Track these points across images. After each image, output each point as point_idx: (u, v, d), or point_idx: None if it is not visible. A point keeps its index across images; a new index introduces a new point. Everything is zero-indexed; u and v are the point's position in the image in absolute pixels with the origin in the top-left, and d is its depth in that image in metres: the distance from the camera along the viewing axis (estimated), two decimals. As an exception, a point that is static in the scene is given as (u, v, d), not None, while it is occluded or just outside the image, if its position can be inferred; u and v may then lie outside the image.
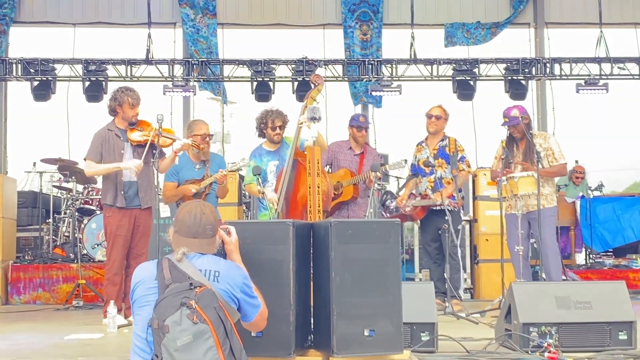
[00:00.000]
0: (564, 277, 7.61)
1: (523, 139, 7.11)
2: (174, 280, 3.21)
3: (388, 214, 7.51)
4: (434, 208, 7.27)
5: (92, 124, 10.94)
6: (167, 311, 3.11)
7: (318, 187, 6.21)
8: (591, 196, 10.68)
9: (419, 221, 8.18)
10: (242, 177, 9.37)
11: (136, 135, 6.53)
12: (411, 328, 4.75)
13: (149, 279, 3.30)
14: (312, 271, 4.51)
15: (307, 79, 10.99)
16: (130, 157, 6.54)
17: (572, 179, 10.85)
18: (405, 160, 10.17)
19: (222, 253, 3.60)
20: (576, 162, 11.15)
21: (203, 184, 6.74)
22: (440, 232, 7.01)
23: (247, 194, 9.59)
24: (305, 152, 5.93)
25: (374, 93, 11.17)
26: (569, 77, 11.37)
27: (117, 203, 6.49)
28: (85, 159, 6.61)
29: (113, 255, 6.45)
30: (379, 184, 7.28)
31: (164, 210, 7.78)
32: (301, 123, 6.26)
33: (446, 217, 6.68)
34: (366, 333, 4.10)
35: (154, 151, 6.42)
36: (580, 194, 10.57)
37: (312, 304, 4.53)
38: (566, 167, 7.30)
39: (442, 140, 7.52)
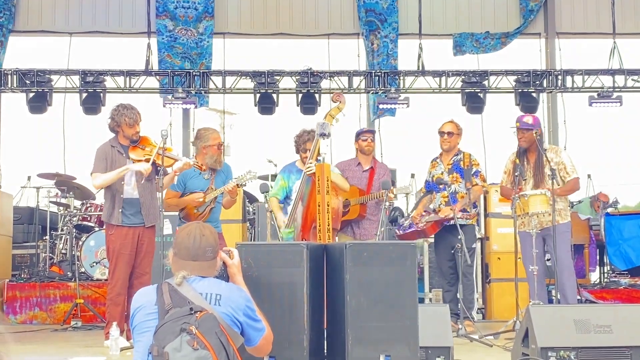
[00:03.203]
0: (578, 297, 7.65)
1: (533, 151, 7.18)
2: (174, 305, 3.25)
3: (401, 231, 7.53)
4: (447, 223, 7.32)
5: (89, 138, 11.10)
6: (166, 337, 3.15)
7: (328, 205, 6.31)
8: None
9: (430, 239, 8.26)
10: (247, 195, 9.41)
11: (137, 155, 6.59)
12: (426, 352, 4.80)
13: (148, 304, 3.34)
14: (325, 294, 4.57)
15: (312, 90, 11.07)
16: (132, 174, 6.60)
17: (593, 206, 10.75)
18: (413, 175, 10.26)
19: (224, 276, 3.65)
20: (609, 202, 10.82)
21: (208, 197, 6.78)
22: (453, 250, 7.06)
23: (251, 210, 9.67)
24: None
25: (381, 106, 11.24)
26: (581, 90, 11.41)
27: (113, 220, 6.54)
28: (92, 174, 6.64)
29: (116, 275, 6.49)
30: (389, 203, 7.32)
31: (167, 228, 7.83)
32: (308, 169, 6.47)
33: (459, 237, 6.72)
34: (382, 358, 4.15)
35: (157, 168, 6.47)
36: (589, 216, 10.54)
37: (325, 327, 4.59)
38: (579, 182, 7.36)
39: (457, 155, 7.62)
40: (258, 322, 3.48)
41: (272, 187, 7.07)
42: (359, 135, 7.62)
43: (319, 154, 6.10)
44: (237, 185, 6.77)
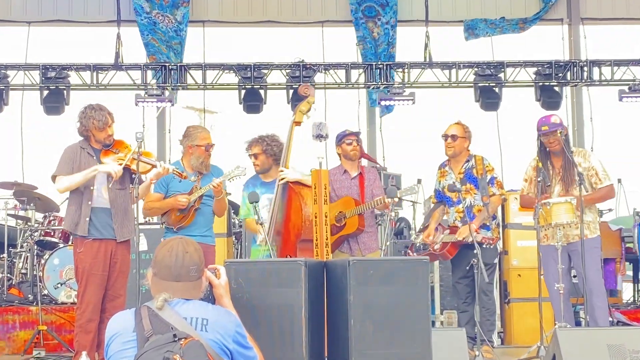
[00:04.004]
0: (610, 319, 7.67)
1: (559, 154, 7.20)
2: (155, 332, 3.26)
3: (415, 253, 7.52)
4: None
5: (51, 141, 11.09)
6: None
7: (326, 217, 6.35)
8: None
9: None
10: (232, 205, 9.42)
11: (110, 159, 6.59)
12: (440, 383, 4.81)
13: (125, 331, 3.35)
14: (325, 317, 4.59)
15: (298, 85, 11.09)
16: (103, 182, 6.59)
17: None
18: (419, 180, 10.28)
19: (210, 298, 3.66)
20: None
21: (192, 196, 6.81)
22: (469, 267, 7.05)
23: (237, 222, 9.67)
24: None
25: (382, 103, 11.26)
26: (610, 83, 11.47)
27: (78, 231, 6.53)
28: (54, 176, 6.64)
29: (86, 298, 6.45)
30: (394, 211, 7.32)
31: (142, 243, 7.84)
32: (282, 179, 6.64)
33: (475, 252, 6.72)
34: (391, 390, 4.17)
35: (132, 176, 6.48)
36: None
37: (326, 355, 4.60)
38: (613, 189, 7.37)
39: (468, 161, 7.56)
40: (249, 349, 3.49)
41: (242, 207, 7.17)
42: (341, 138, 7.55)
43: (321, 159, 6.17)
44: (222, 192, 6.81)
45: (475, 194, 7.44)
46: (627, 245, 10.16)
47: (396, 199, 7.04)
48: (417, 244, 7.52)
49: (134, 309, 3.43)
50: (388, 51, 12.19)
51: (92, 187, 6.55)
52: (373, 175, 7.59)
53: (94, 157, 6.62)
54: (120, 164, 6.52)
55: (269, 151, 7.02)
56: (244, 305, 3.95)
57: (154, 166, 6.60)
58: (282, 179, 6.69)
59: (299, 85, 10.93)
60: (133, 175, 6.49)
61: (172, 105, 11.42)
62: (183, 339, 3.21)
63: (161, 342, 3.21)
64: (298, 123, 6.68)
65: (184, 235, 6.47)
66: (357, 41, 12.26)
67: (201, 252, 3.55)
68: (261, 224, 6.38)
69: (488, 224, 7.35)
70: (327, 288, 4.55)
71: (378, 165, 9.90)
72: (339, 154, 7.55)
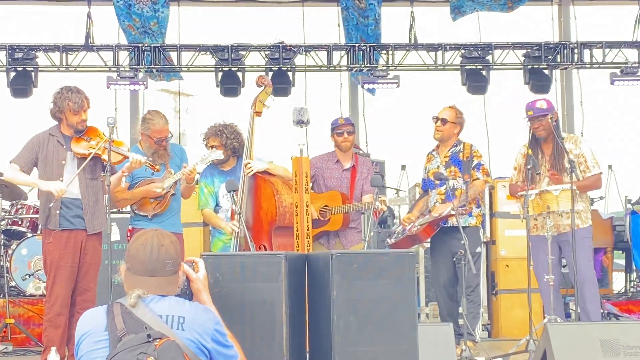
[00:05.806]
0: (600, 311, 7.69)
1: (549, 141, 7.21)
2: (129, 331, 3.22)
3: (393, 240, 7.50)
4: (444, 224, 7.31)
5: (18, 125, 11.00)
6: None
7: (307, 206, 6.33)
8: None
9: (426, 244, 8.24)
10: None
11: (81, 147, 6.54)
12: (427, 380, 4.79)
13: (97, 330, 3.30)
14: (307, 313, 4.55)
15: (285, 68, 11.04)
16: (73, 171, 6.56)
17: None
18: (404, 167, 10.29)
19: (188, 293, 3.62)
20: None
21: (167, 182, 6.80)
22: (454, 258, 7.03)
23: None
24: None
25: (366, 86, 11.22)
26: (602, 66, 11.46)
27: (50, 224, 6.50)
28: (10, 162, 6.63)
29: (55, 291, 6.43)
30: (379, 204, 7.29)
31: (114, 233, 7.78)
32: (249, 169, 6.75)
33: (462, 241, 6.70)
34: (375, 388, 4.15)
35: (104, 165, 6.43)
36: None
37: (307, 352, 4.58)
38: (600, 178, 7.41)
39: (455, 146, 7.55)
40: (229, 348, 3.46)
41: (200, 198, 7.23)
42: (333, 128, 7.57)
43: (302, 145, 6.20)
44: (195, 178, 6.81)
45: (459, 177, 7.42)
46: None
47: (384, 207, 7.08)
48: (397, 231, 7.52)
49: (106, 306, 3.39)
50: (374, 27, 12.09)
51: (61, 178, 6.50)
52: (367, 169, 7.57)
53: (64, 146, 6.58)
54: (90, 154, 6.46)
55: (229, 145, 7.09)
56: (222, 300, 3.90)
57: (125, 157, 6.55)
58: (249, 171, 6.76)
59: (279, 67, 11.01)
60: (104, 164, 6.43)
61: (146, 88, 11.34)
62: (158, 339, 3.17)
63: (134, 342, 3.16)
64: (259, 113, 6.91)
65: (159, 223, 6.57)
66: (344, 19, 12.17)
67: (178, 244, 3.50)
68: (239, 213, 6.36)
69: (467, 204, 7.31)
70: (309, 282, 4.52)
71: (361, 152, 9.88)
72: (334, 144, 7.58)
